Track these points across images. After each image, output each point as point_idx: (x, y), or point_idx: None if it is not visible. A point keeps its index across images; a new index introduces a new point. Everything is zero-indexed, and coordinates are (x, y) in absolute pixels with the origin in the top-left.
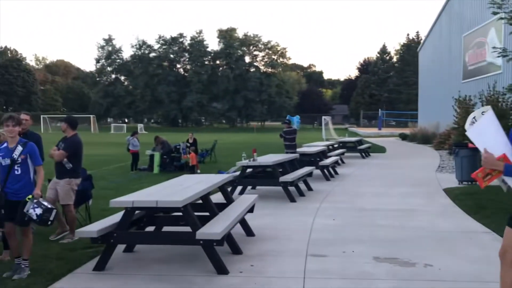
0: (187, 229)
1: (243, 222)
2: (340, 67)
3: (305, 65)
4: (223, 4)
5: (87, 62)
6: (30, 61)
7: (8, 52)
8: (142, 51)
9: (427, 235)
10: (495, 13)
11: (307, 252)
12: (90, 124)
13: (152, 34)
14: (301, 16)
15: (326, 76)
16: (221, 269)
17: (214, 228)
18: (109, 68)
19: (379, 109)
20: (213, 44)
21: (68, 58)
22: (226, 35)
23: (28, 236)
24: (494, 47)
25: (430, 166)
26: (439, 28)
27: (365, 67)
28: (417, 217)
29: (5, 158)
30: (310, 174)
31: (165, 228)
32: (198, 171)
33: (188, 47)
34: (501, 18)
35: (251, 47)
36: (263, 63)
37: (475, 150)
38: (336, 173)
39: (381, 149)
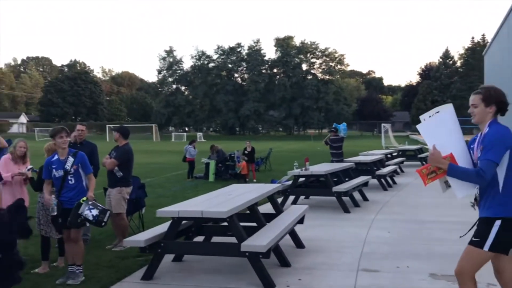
0: (235, 240)
1: (292, 233)
2: (400, 73)
3: (364, 71)
4: (280, 13)
5: (150, 73)
6: (97, 73)
7: (77, 65)
8: (201, 61)
9: None
10: None
11: (359, 267)
12: (152, 133)
13: (211, 45)
14: (360, 21)
15: (386, 82)
16: (267, 282)
17: (260, 240)
18: (170, 79)
19: None
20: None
21: (132, 69)
22: (283, 44)
23: (79, 241)
24: None
25: None
26: (507, 30)
27: (427, 72)
28: None
29: (59, 170)
30: (366, 184)
31: (215, 238)
32: (254, 180)
33: (245, 56)
34: None
35: (308, 55)
36: (320, 70)
37: None
38: (394, 182)
39: None
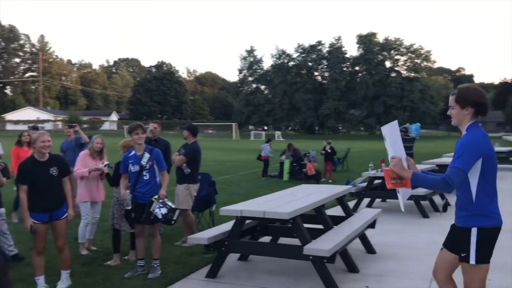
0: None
1: (363, 238)
2: (493, 69)
3: (453, 68)
4: (362, 9)
5: (232, 73)
6: (182, 73)
7: (164, 66)
8: (281, 60)
9: None
10: None
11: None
12: (232, 131)
13: (292, 44)
14: (448, 16)
15: (477, 79)
16: None
17: (324, 244)
18: (250, 78)
19: None
20: (351, 50)
21: (215, 70)
22: (366, 40)
23: (155, 236)
24: None
25: None
26: None
27: None
28: None
29: (135, 165)
30: None
31: (282, 239)
32: (330, 180)
33: (326, 54)
34: None
35: (392, 52)
36: (405, 67)
37: None
38: None
39: None
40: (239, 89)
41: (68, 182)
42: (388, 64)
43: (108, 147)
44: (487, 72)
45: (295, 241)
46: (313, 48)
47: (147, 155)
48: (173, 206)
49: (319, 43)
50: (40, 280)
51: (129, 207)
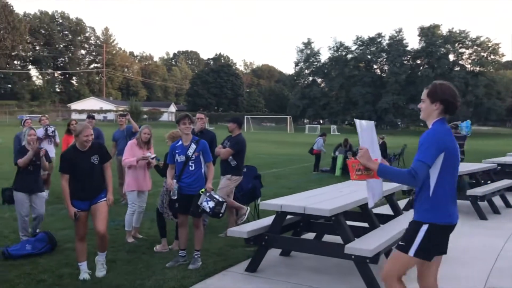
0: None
1: None
2: None
3: None
4: (424, 0)
5: (288, 66)
6: (239, 66)
7: (222, 58)
8: (339, 53)
9: None
10: None
11: (486, 283)
12: (287, 124)
13: (350, 36)
14: None
15: None
16: None
17: (367, 243)
18: (306, 71)
19: None
20: (413, 43)
21: (272, 62)
22: (428, 33)
23: (199, 227)
24: None
25: None
26: None
27: None
28: None
29: (181, 155)
30: (510, 189)
31: (327, 237)
32: None
33: (386, 47)
34: None
35: (456, 44)
36: (470, 61)
37: None
38: None
39: None
40: (295, 81)
41: (110, 168)
42: (451, 57)
43: (164, 138)
44: None
45: (339, 239)
46: (372, 41)
47: (193, 146)
48: (220, 199)
49: (379, 35)
50: (83, 266)
51: (175, 197)
